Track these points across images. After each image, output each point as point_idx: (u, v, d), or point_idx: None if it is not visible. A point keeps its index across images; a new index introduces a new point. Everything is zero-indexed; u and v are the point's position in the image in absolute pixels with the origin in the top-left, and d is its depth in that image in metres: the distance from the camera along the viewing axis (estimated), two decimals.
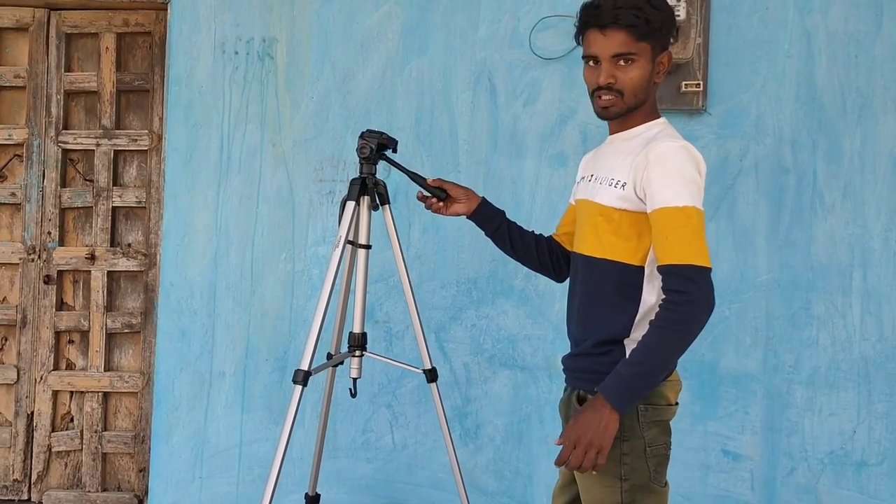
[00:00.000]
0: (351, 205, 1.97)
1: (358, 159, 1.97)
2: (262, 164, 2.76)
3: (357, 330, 2.08)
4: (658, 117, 1.59)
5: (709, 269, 1.42)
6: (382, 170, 2.61)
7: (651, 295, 1.51)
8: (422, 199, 1.84)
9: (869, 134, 2.58)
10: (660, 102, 2.59)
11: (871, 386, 2.57)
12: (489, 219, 1.80)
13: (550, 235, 1.84)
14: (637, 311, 1.52)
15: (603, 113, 1.55)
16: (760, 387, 2.59)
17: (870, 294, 2.57)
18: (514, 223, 1.83)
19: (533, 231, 1.84)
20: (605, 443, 1.40)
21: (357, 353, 2.09)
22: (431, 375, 2.11)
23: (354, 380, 2.12)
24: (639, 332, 1.50)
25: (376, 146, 1.94)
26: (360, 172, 1.99)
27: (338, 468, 2.71)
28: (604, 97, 1.52)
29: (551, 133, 2.66)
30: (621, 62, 1.49)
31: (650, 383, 1.45)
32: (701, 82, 2.56)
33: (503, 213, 1.83)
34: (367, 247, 2.06)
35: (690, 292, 1.39)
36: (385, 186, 2.07)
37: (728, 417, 2.60)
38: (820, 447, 2.58)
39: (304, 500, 2.32)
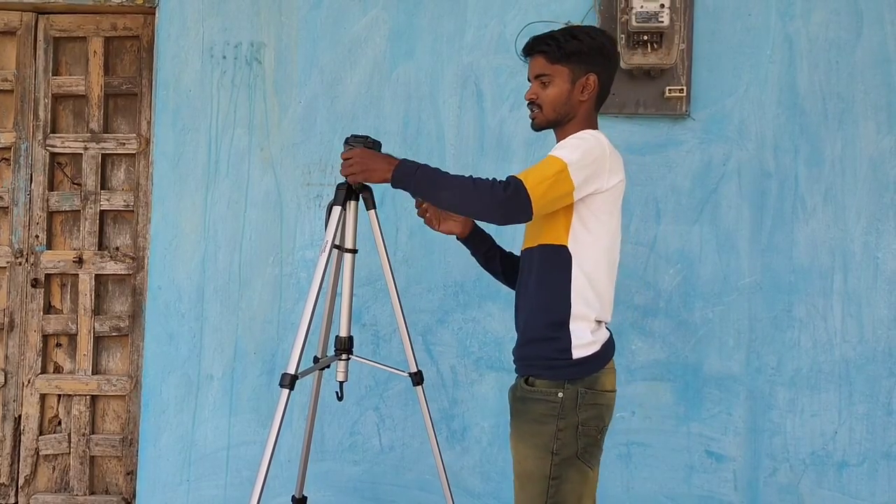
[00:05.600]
0: (337, 209, 1.98)
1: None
2: (250, 168, 2.77)
3: (343, 334, 2.09)
4: (591, 129, 1.75)
5: (526, 192, 1.59)
6: None
7: (580, 269, 1.68)
8: (418, 206, 1.95)
9: (849, 139, 2.62)
10: (644, 107, 2.65)
11: (852, 387, 2.61)
12: (482, 238, 1.96)
13: None
14: (571, 286, 1.68)
15: (531, 124, 1.80)
16: (743, 388, 2.63)
17: (850, 297, 2.61)
18: (500, 247, 1.99)
19: (512, 252, 1.98)
20: (363, 175, 1.76)
21: (343, 356, 2.10)
22: (417, 378, 2.13)
23: (341, 383, 2.13)
24: (579, 306, 1.67)
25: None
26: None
27: (325, 470, 2.72)
28: (530, 111, 1.79)
29: (537, 138, 2.68)
30: (543, 82, 1.75)
31: (418, 187, 1.69)
32: (684, 87, 2.59)
33: (491, 236, 1.99)
34: (354, 251, 2.07)
35: (499, 190, 1.60)
36: (371, 191, 2.09)
37: (711, 419, 2.63)
38: (802, 448, 2.62)
39: (291, 503, 2.33)
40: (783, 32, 2.64)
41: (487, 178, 1.64)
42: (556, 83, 1.73)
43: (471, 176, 1.66)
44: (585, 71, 1.73)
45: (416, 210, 1.94)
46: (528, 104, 1.79)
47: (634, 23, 2.50)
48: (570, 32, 1.74)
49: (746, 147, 2.64)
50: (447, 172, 1.69)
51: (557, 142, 1.76)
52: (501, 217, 1.63)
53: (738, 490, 2.63)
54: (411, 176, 1.68)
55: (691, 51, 2.62)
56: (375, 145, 1.96)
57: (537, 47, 1.76)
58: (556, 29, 1.77)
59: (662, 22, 2.50)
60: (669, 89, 2.58)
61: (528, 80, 1.80)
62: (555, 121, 1.76)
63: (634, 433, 2.65)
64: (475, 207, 1.65)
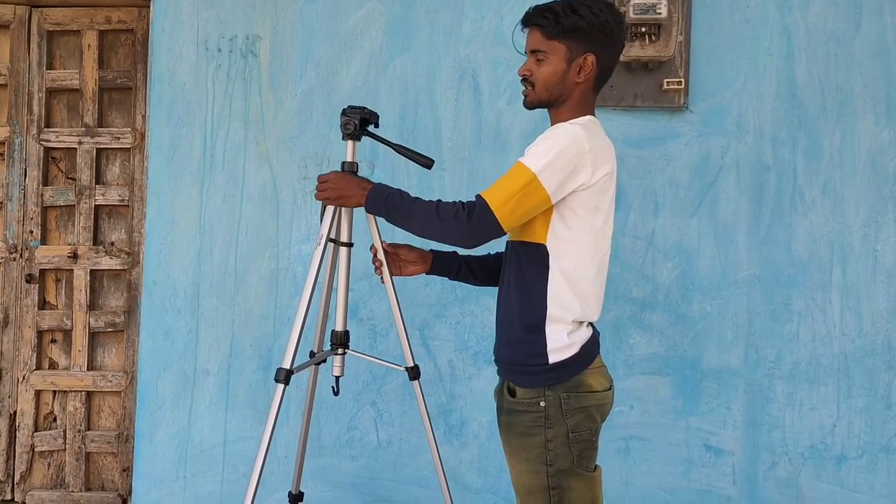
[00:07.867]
0: None
1: (342, 137, 1.94)
2: (246, 162, 2.75)
3: (339, 328, 2.08)
4: (586, 115, 1.67)
5: (491, 213, 1.54)
6: (366, 168, 2.63)
7: (558, 268, 1.61)
8: (376, 263, 1.95)
9: (848, 131, 2.61)
10: (642, 100, 2.63)
11: (851, 381, 2.60)
12: (447, 266, 1.92)
13: None
14: (548, 287, 1.61)
15: (523, 102, 1.71)
16: (742, 382, 2.62)
17: (849, 290, 2.60)
18: (471, 257, 1.91)
19: (489, 253, 1.91)
20: (338, 201, 1.79)
21: (339, 351, 2.09)
22: (414, 373, 2.12)
23: (337, 378, 2.12)
24: (555, 308, 1.60)
25: (359, 121, 1.92)
26: (343, 170, 1.98)
27: (322, 466, 2.71)
28: (523, 87, 1.69)
29: (535, 130, 2.66)
30: (538, 58, 1.65)
31: (389, 218, 1.67)
32: (682, 80, 2.58)
33: (455, 253, 1.92)
34: (349, 244, 2.06)
35: (463, 218, 1.56)
36: None
37: (710, 413, 2.62)
38: (800, 441, 2.61)
39: (288, 498, 2.32)
40: (781, 24, 2.63)
41: (453, 204, 1.59)
42: (551, 61, 1.63)
43: (438, 201, 1.61)
44: (584, 50, 1.62)
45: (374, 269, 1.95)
46: (522, 80, 1.68)
47: (632, 14, 2.48)
48: (572, 6, 1.61)
49: (745, 140, 2.63)
50: (416, 199, 1.64)
51: (551, 122, 1.70)
52: (469, 243, 1.59)
53: (736, 484, 2.62)
54: (382, 205, 1.66)
55: (689, 43, 2.60)
56: (372, 116, 1.94)
57: (534, 20, 1.64)
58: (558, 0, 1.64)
59: (660, 14, 2.48)
60: (667, 82, 2.56)
61: (524, 54, 1.69)
62: (547, 101, 1.66)
63: (633, 427, 2.64)
64: (442, 237, 1.61)
